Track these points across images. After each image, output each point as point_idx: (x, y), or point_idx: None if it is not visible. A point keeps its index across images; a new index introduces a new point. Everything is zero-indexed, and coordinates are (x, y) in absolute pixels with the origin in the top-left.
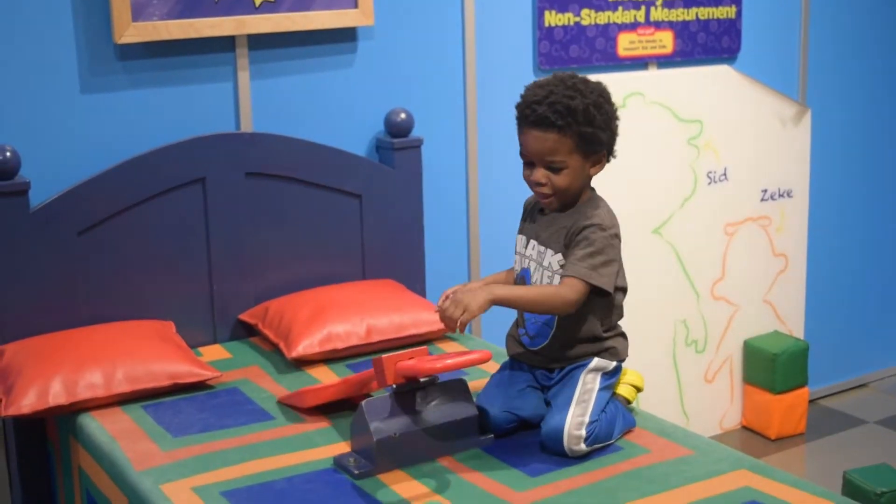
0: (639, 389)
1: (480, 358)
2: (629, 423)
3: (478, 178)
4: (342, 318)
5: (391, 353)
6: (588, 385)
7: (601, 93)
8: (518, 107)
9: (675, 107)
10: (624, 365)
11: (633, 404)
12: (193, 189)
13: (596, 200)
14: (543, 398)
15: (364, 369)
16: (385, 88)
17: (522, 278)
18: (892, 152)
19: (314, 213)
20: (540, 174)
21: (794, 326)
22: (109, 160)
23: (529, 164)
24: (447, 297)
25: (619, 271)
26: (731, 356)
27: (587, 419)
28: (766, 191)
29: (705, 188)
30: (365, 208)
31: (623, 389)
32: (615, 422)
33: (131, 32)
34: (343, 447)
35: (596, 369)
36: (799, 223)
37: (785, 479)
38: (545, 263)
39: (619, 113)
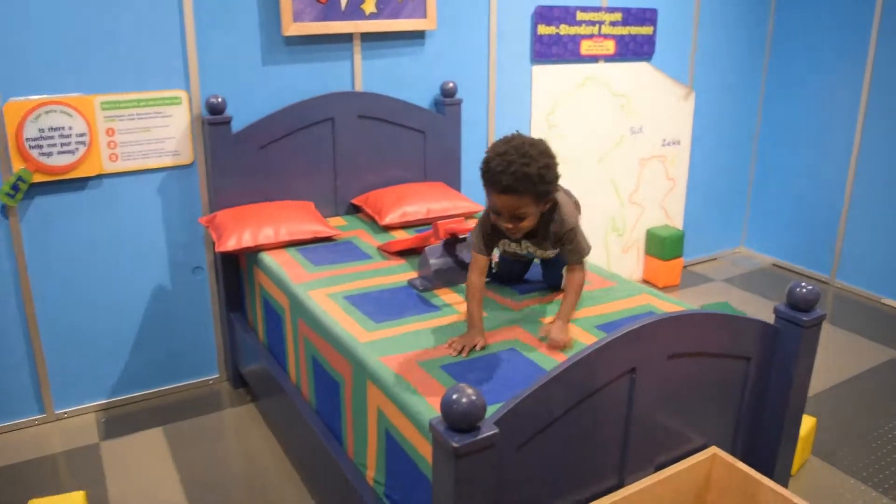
0: None
1: None
2: None
3: (494, 125)
4: (412, 202)
5: (443, 220)
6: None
7: (545, 153)
8: (484, 174)
9: (613, 86)
10: None
11: None
12: (327, 124)
13: (555, 209)
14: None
15: (425, 232)
16: (441, 68)
17: (529, 260)
18: (738, 118)
19: (397, 141)
20: (508, 222)
21: (677, 221)
22: (279, 105)
23: (497, 212)
24: (549, 337)
25: None
26: (638, 238)
27: None
28: (665, 140)
29: (630, 137)
30: (427, 139)
31: None
32: None
33: (293, 29)
34: (412, 275)
35: None
36: (682, 160)
37: (670, 300)
38: (548, 254)
39: (577, 102)
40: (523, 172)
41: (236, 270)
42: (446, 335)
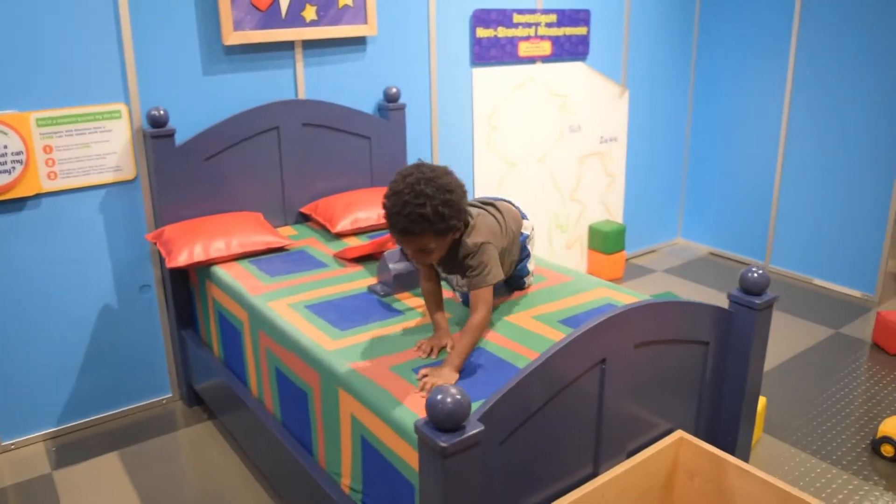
0: None
1: None
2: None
3: (437, 127)
4: (363, 208)
5: None
6: None
7: (445, 188)
8: (385, 215)
9: (551, 86)
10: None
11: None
12: (272, 133)
13: (464, 237)
14: None
15: (380, 237)
16: (383, 73)
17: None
18: (670, 114)
19: (343, 148)
20: (416, 255)
21: (617, 216)
22: (221, 116)
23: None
24: (424, 377)
25: (504, 253)
26: (581, 234)
27: None
28: (602, 137)
29: (568, 135)
30: (373, 145)
31: None
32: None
33: (233, 38)
34: (370, 281)
35: None
36: (620, 156)
37: (626, 291)
38: (460, 283)
39: (517, 103)
40: (418, 214)
41: (186, 286)
42: (413, 338)
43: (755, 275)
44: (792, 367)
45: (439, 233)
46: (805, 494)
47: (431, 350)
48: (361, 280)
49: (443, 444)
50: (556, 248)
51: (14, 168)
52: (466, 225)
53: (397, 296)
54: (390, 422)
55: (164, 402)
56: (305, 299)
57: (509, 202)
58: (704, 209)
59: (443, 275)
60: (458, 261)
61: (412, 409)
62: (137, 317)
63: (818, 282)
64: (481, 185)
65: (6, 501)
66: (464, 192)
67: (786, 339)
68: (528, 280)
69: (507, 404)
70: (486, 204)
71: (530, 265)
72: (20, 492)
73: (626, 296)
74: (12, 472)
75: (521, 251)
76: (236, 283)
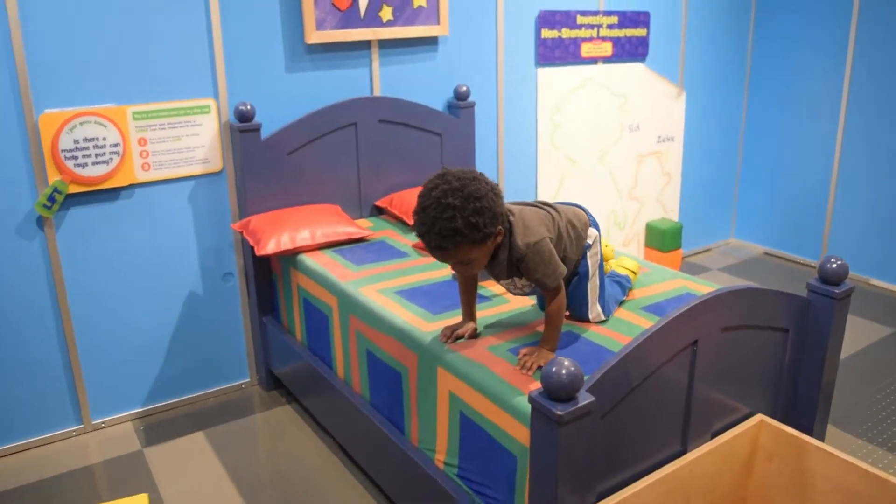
0: (634, 272)
1: None
2: (626, 289)
3: (504, 125)
4: None
5: None
6: (594, 289)
7: (473, 196)
8: (416, 234)
9: (611, 86)
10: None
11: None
12: (350, 129)
13: (507, 239)
14: None
15: None
16: (454, 72)
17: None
18: (725, 114)
19: (416, 143)
20: (458, 268)
21: (674, 214)
22: (302, 111)
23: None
24: (524, 356)
25: (562, 245)
26: (638, 231)
27: (605, 308)
28: (660, 136)
29: (628, 134)
30: (444, 141)
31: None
32: (615, 296)
33: (315, 37)
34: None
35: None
36: (676, 155)
37: (701, 282)
38: (518, 286)
39: (578, 102)
40: (450, 228)
41: (268, 275)
42: (502, 323)
43: (835, 265)
44: (853, 364)
45: (476, 242)
46: (887, 474)
47: (451, 334)
48: (444, 269)
49: (559, 413)
50: (614, 245)
51: (112, 159)
52: (510, 226)
53: (482, 283)
54: (493, 397)
55: (242, 386)
56: (394, 285)
57: (582, 208)
58: (758, 209)
59: (499, 282)
60: (511, 264)
61: (514, 385)
62: (220, 304)
63: (875, 282)
64: (544, 183)
65: (103, 475)
66: (496, 195)
67: (846, 336)
68: (593, 315)
69: (610, 379)
70: (542, 204)
71: (611, 298)
72: (113, 467)
73: (702, 286)
74: (103, 450)
75: (580, 262)
76: (325, 271)
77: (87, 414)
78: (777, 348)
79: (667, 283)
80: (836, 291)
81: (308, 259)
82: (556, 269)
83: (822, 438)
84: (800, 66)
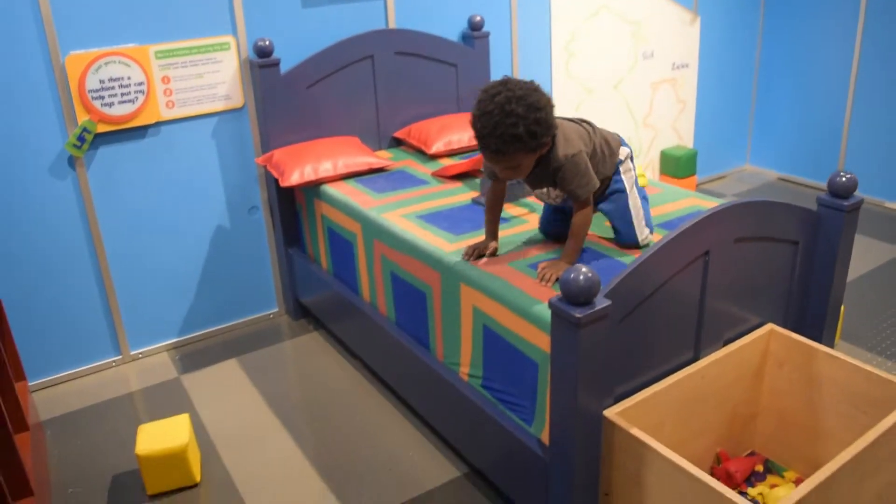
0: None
1: None
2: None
3: (518, 55)
4: (455, 131)
5: None
6: (636, 209)
7: (535, 105)
8: (475, 136)
9: (624, 13)
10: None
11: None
12: (367, 62)
13: (553, 147)
14: None
15: (477, 156)
16: (468, 2)
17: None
18: (740, 41)
19: (431, 74)
20: (505, 173)
21: (688, 141)
22: (320, 46)
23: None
24: (543, 269)
25: (595, 160)
26: (653, 159)
27: (648, 228)
28: (674, 63)
29: (641, 62)
30: (459, 72)
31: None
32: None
33: None
34: (472, 195)
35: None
36: (691, 82)
37: (712, 199)
38: (553, 195)
39: (592, 30)
40: (511, 135)
41: (292, 207)
42: (521, 242)
43: (844, 178)
44: (866, 282)
45: (531, 150)
46: (892, 376)
47: (473, 251)
48: (464, 194)
49: (578, 316)
50: None
51: (137, 98)
52: (552, 137)
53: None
54: (515, 308)
55: (271, 316)
56: (416, 210)
57: (615, 134)
58: (774, 135)
59: (534, 191)
60: (548, 173)
61: (534, 296)
62: (246, 237)
63: (890, 204)
64: (560, 111)
65: (145, 400)
66: (552, 107)
67: (859, 256)
68: (643, 237)
69: (626, 287)
70: (581, 120)
71: (644, 229)
72: (152, 393)
73: (713, 202)
74: (142, 378)
75: (614, 178)
76: (348, 199)
77: (125, 345)
78: (787, 260)
79: (681, 202)
80: (846, 204)
81: (331, 189)
82: (590, 181)
83: (830, 347)
84: None
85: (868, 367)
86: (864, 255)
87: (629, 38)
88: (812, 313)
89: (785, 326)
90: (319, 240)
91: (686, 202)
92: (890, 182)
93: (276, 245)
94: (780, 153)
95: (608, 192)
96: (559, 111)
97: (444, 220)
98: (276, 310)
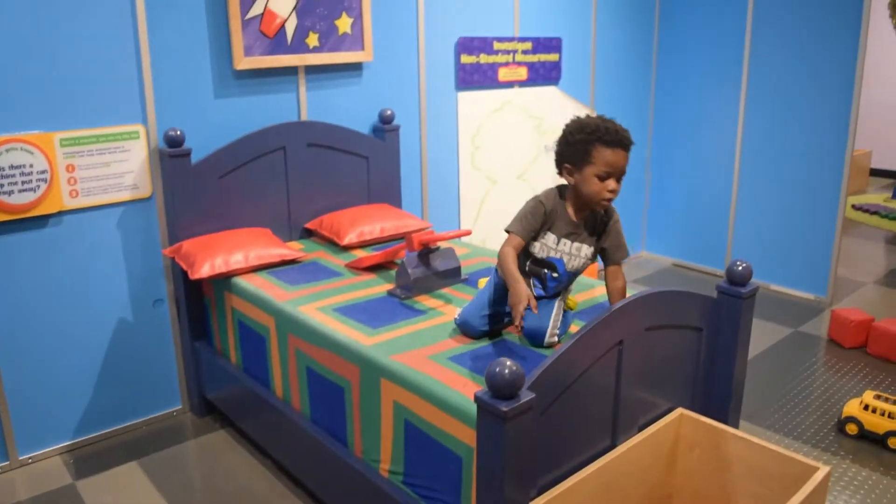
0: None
1: (464, 233)
2: (569, 322)
3: (427, 150)
4: (366, 222)
5: (417, 232)
6: (560, 309)
7: None
8: (604, 133)
9: (528, 108)
10: None
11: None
12: (279, 153)
13: None
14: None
15: (392, 247)
16: (379, 96)
17: (552, 263)
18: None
19: (343, 166)
20: (616, 184)
21: None
22: (232, 136)
23: (604, 178)
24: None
25: None
26: None
27: (558, 331)
28: None
29: (544, 153)
30: (370, 164)
31: (570, 302)
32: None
33: (244, 63)
34: (387, 287)
35: (563, 300)
36: None
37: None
38: (583, 254)
39: (497, 124)
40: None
41: (199, 299)
42: (441, 334)
43: (740, 267)
44: (759, 363)
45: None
46: (798, 455)
47: (528, 304)
48: (379, 286)
49: (504, 409)
50: None
51: (39, 186)
52: None
53: (417, 298)
54: (438, 402)
55: (174, 413)
56: (332, 303)
57: None
58: (666, 222)
59: (556, 247)
60: (594, 225)
61: (457, 389)
62: (150, 331)
63: (775, 287)
64: (466, 201)
65: None
66: None
67: (751, 337)
68: (549, 336)
69: (548, 377)
70: None
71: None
72: (42, 502)
73: None
74: (32, 485)
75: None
76: (260, 292)
77: (13, 449)
78: (693, 346)
79: (590, 291)
80: (743, 291)
81: (242, 281)
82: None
83: (736, 427)
84: (701, 84)
85: (772, 446)
86: (754, 336)
87: (532, 132)
88: (717, 395)
89: (693, 409)
90: (229, 333)
91: (595, 292)
92: (773, 266)
93: (182, 339)
94: (674, 240)
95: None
96: (465, 200)
97: (361, 312)
98: (179, 407)
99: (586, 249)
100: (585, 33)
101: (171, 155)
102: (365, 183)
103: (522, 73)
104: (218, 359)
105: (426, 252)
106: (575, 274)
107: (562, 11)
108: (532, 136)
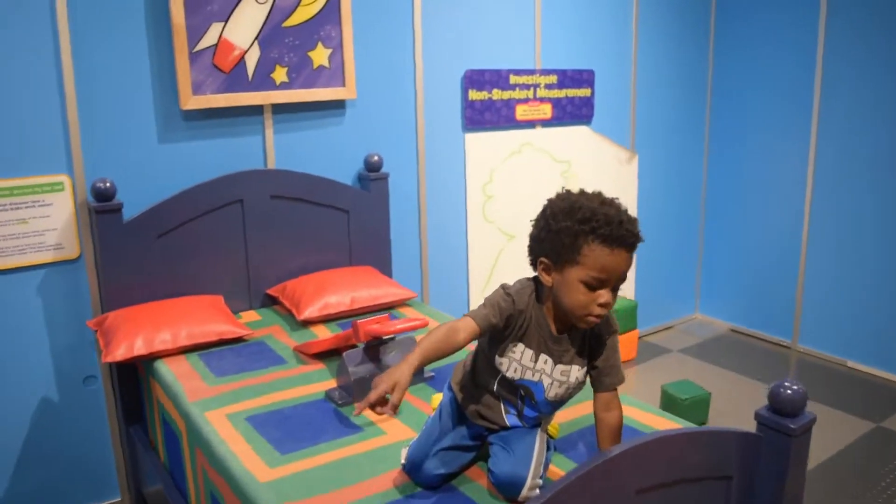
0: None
1: (420, 324)
2: (548, 462)
3: (426, 201)
4: (335, 292)
5: (364, 319)
6: (542, 445)
7: None
8: (602, 223)
9: (552, 152)
10: None
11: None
12: (235, 206)
13: None
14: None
15: (343, 331)
16: (364, 139)
17: (528, 388)
18: (684, 180)
19: (316, 222)
20: (611, 295)
21: (628, 292)
22: (178, 188)
23: (595, 286)
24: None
25: None
26: None
27: (540, 478)
28: None
29: None
30: (351, 219)
31: (551, 429)
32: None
33: (192, 102)
34: (332, 383)
35: (544, 430)
36: None
37: (637, 405)
38: (571, 379)
39: (514, 170)
40: (635, 223)
41: (135, 377)
42: (369, 465)
43: (789, 391)
44: (831, 469)
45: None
46: None
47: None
48: (320, 382)
49: None
50: None
51: None
52: None
53: (357, 404)
54: None
55: None
56: (249, 408)
57: None
58: (724, 282)
59: (534, 367)
60: (585, 340)
61: None
62: (81, 411)
63: (853, 364)
64: (476, 260)
65: None
66: None
67: (821, 433)
68: (529, 485)
69: None
70: None
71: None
72: None
73: (633, 409)
74: None
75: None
76: (177, 385)
77: None
78: (717, 502)
79: (582, 405)
80: (793, 426)
81: (165, 367)
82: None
83: None
84: (765, 124)
85: None
86: (827, 432)
87: (558, 179)
88: None
89: None
90: (157, 425)
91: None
92: (852, 339)
93: (119, 422)
94: (732, 302)
95: None
96: (476, 260)
97: (278, 424)
98: (118, 499)
99: (577, 372)
100: (624, 65)
101: (97, 210)
102: (345, 241)
103: (546, 110)
104: (148, 451)
105: (377, 343)
106: (559, 403)
107: (595, 40)
108: (557, 184)
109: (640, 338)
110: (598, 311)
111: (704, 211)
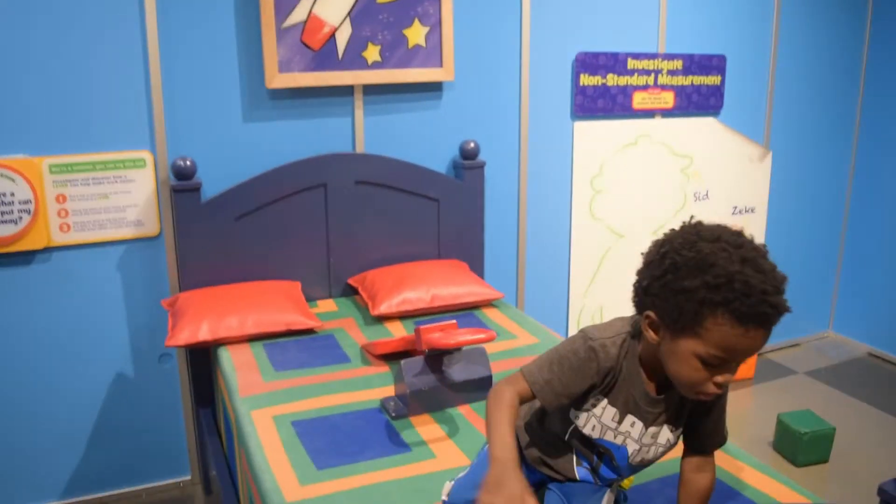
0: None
1: (487, 338)
2: None
3: (526, 194)
4: (415, 286)
5: (428, 325)
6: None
7: None
8: (740, 294)
9: (672, 145)
10: None
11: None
12: (318, 191)
13: None
14: None
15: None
16: (460, 125)
17: (608, 450)
18: (825, 183)
19: (404, 211)
20: (732, 374)
21: None
22: (261, 169)
23: (714, 365)
24: None
25: None
26: None
27: None
28: (736, 207)
29: (692, 204)
30: (441, 209)
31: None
32: None
33: (278, 81)
34: (391, 390)
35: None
36: (758, 231)
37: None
38: (661, 440)
39: (628, 163)
40: (782, 291)
41: (208, 359)
42: (403, 498)
43: None
44: None
45: None
46: None
47: None
48: (379, 388)
49: None
50: None
51: (21, 218)
52: None
53: (412, 419)
54: None
55: (181, 484)
56: (298, 410)
57: None
58: (865, 298)
59: (618, 428)
60: (682, 396)
61: None
62: (156, 389)
63: None
64: (579, 260)
65: None
66: None
67: None
68: None
69: None
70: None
71: None
72: None
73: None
74: None
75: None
76: (233, 377)
77: None
78: None
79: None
80: None
81: (227, 354)
82: None
83: None
84: None
85: None
86: None
87: (677, 175)
88: None
89: None
90: (219, 410)
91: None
92: None
93: (192, 403)
94: (873, 321)
95: None
96: (579, 260)
97: (323, 433)
98: (188, 477)
99: (668, 434)
100: (762, 51)
101: (176, 189)
102: (434, 232)
103: (668, 98)
104: (213, 436)
105: (438, 354)
106: (644, 466)
107: (728, 22)
108: (676, 181)
109: (760, 354)
110: (712, 389)
111: (847, 220)
